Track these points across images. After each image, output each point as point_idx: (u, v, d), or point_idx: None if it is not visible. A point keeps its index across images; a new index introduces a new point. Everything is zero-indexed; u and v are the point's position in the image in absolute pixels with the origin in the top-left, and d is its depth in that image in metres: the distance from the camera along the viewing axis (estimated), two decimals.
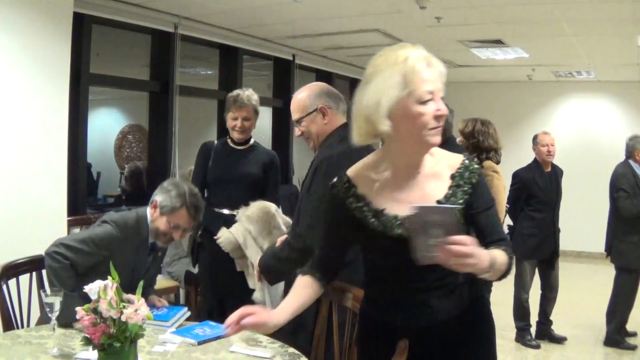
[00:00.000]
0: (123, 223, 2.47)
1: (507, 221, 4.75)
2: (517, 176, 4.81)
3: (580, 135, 8.83)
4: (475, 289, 1.78)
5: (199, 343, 2.21)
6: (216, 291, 3.41)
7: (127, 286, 2.15)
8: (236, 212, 3.27)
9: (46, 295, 2.06)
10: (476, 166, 1.72)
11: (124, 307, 1.76)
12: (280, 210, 3.33)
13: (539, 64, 7.50)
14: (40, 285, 2.54)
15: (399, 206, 1.63)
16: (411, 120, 1.57)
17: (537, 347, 4.72)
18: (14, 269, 2.53)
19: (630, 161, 4.68)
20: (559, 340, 4.84)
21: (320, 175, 2.39)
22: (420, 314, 1.70)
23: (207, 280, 3.48)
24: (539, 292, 4.87)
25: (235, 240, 3.18)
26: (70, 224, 4.06)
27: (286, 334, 2.50)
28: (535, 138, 4.84)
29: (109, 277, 1.81)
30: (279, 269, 2.51)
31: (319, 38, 6.36)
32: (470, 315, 1.75)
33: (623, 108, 8.77)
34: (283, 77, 7.24)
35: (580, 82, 8.80)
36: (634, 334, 4.90)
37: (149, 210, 2.55)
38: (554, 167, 4.86)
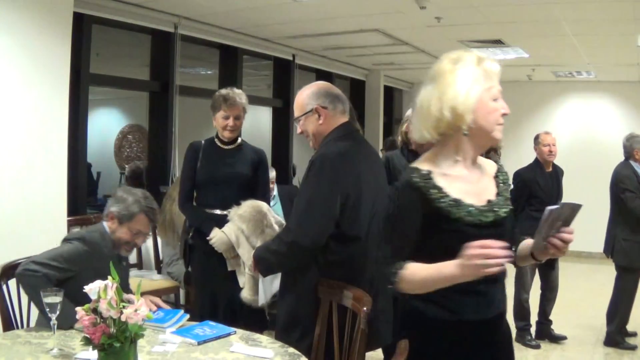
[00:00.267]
0: (89, 238, 2.48)
1: None
2: (518, 176, 4.80)
3: (580, 135, 8.82)
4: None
5: (199, 343, 2.21)
6: (209, 291, 3.38)
7: None
8: (227, 212, 3.27)
9: (46, 296, 2.06)
10: (505, 169, 1.90)
11: (124, 307, 1.76)
12: (271, 209, 3.34)
13: (539, 64, 7.51)
14: None
15: (470, 198, 1.72)
16: (486, 115, 1.70)
17: (537, 347, 4.71)
18: (14, 269, 2.52)
19: (631, 161, 4.68)
20: (559, 339, 4.84)
21: (314, 171, 2.42)
22: (483, 305, 1.74)
23: (200, 280, 3.48)
24: (539, 292, 4.87)
25: (228, 240, 3.20)
26: (70, 224, 4.06)
27: (280, 330, 2.52)
28: (536, 138, 4.84)
29: (109, 277, 1.81)
30: (270, 261, 2.54)
31: (319, 38, 6.36)
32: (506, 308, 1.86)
33: (623, 108, 8.77)
34: (283, 77, 7.24)
35: (580, 82, 8.80)
36: (634, 334, 4.90)
37: (106, 224, 2.56)
38: (555, 167, 4.86)
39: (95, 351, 1.78)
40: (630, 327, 4.84)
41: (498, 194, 1.79)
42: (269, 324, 4.91)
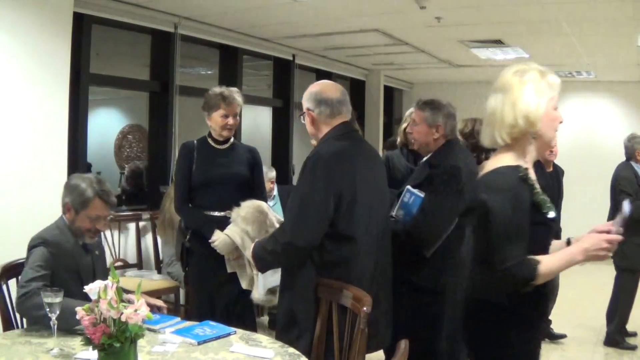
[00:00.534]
0: (49, 238, 2.43)
1: None
2: None
3: (580, 135, 8.81)
4: None
5: (199, 343, 2.21)
6: (206, 294, 3.33)
7: (80, 294, 2.14)
8: (225, 213, 3.24)
9: (46, 296, 2.06)
10: None
11: (124, 307, 1.76)
12: (271, 209, 3.34)
13: (539, 64, 7.48)
14: None
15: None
16: (550, 123, 1.93)
17: None
18: (14, 269, 2.53)
19: (632, 162, 4.68)
20: (558, 337, 4.83)
21: (307, 171, 2.44)
22: (550, 297, 1.95)
23: (197, 284, 3.43)
24: None
25: (231, 242, 3.17)
26: None
27: (279, 329, 2.52)
28: None
29: (109, 277, 1.81)
30: (267, 260, 2.56)
31: (319, 38, 6.35)
32: None
33: (623, 108, 8.76)
34: (283, 77, 7.23)
35: (580, 82, 8.79)
36: (634, 334, 4.90)
37: (64, 216, 2.52)
38: (555, 167, 4.85)
39: (95, 351, 1.78)
40: (630, 327, 4.84)
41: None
42: (269, 325, 4.93)
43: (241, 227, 3.16)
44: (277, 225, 3.14)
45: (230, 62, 6.29)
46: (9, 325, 2.47)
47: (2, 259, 2.62)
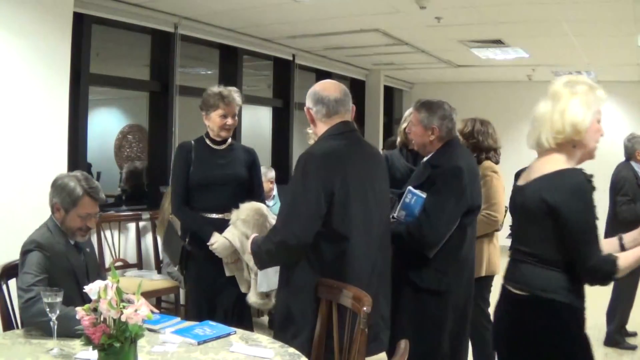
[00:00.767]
0: (42, 240, 2.41)
1: (508, 221, 4.74)
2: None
3: None
4: None
5: (199, 343, 2.21)
6: (205, 298, 3.26)
7: (77, 294, 2.14)
8: (224, 216, 3.20)
9: (46, 296, 2.06)
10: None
11: (124, 307, 1.76)
12: (271, 210, 3.32)
13: (539, 64, 7.50)
14: None
15: None
16: (593, 134, 2.07)
17: None
18: (14, 269, 2.52)
19: (632, 162, 4.68)
20: None
21: (298, 170, 2.45)
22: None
23: (196, 288, 3.35)
24: None
25: (230, 245, 3.12)
26: None
27: (276, 327, 2.53)
28: None
29: (109, 277, 1.81)
30: (263, 258, 2.56)
31: (319, 38, 6.35)
32: None
33: (623, 108, 8.76)
34: (283, 77, 7.24)
35: None
36: (634, 334, 4.90)
37: (54, 217, 2.51)
38: None
39: (95, 351, 1.78)
40: (630, 327, 4.83)
41: None
42: (269, 325, 4.93)
43: (241, 230, 3.11)
44: None
45: (230, 62, 6.29)
46: (9, 325, 2.46)
47: (2, 259, 2.62)
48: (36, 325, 2.24)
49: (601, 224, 5.24)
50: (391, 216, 2.80)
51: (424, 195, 2.77)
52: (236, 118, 3.30)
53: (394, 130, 8.92)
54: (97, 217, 2.56)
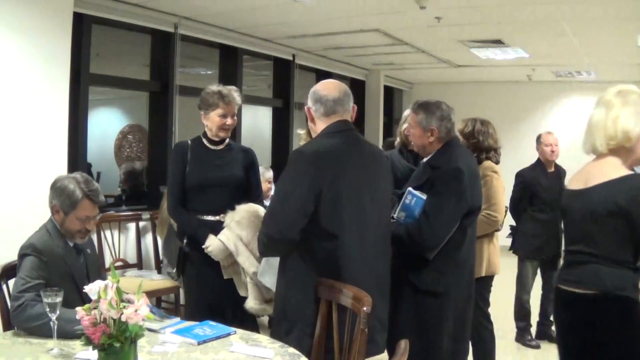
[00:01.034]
0: (39, 244, 2.40)
1: (508, 221, 4.75)
2: (520, 176, 4.80)
3: (581, 135, 8.78)
4: None
5: (199, 343, 2.21)
6: (203, 301, 3.21)
7: (77, 298, 2.13)
8: (220, 217, 3.14)
9: (46, 296, 2.05)
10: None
11: (124, 307, 1.76)
12: None
13: (539, 64, 7.51)
14: None
15: None
16: None
17: (537, 347, 4.71)
18: (14, 269, 2.52)
19: None
20: None
21: (287, 166, 2.47)
22: None
23: (194, 291, 3.30)
24: (539, 292, 4.87)
25: (225, 248, 3.07)
26: None
27: (273, 324, 2.53)
28: (538, 138, 4.84)
29: (109, 277, 1.81)
30: (259, 246, 2.60)
31: (319, 38, 6.36)
32: None
33: None
34: (283, 77, 7.24)
35: (580, 82, 8.79)
36: None
37: (53, 219, 2.49)
38: (557, 167, 4.85)
39: (95, 351, 1.78)
40: None
41: None
42: (269, 325, 4.92)
43: (235, 233, 3.06)
44: None
45: (230, 62, 6.29)
46: (9, 325, 2.46)
47: (2, 258, 2.62)
48: (28, 330, 2.23)
49: None
50: (391, 217, 2.79)
51: (424, 196, 2.76)
52: (235, 118, 3.24)
53: (393, 130, 8.92)
54: (96, 219, 2.56)
